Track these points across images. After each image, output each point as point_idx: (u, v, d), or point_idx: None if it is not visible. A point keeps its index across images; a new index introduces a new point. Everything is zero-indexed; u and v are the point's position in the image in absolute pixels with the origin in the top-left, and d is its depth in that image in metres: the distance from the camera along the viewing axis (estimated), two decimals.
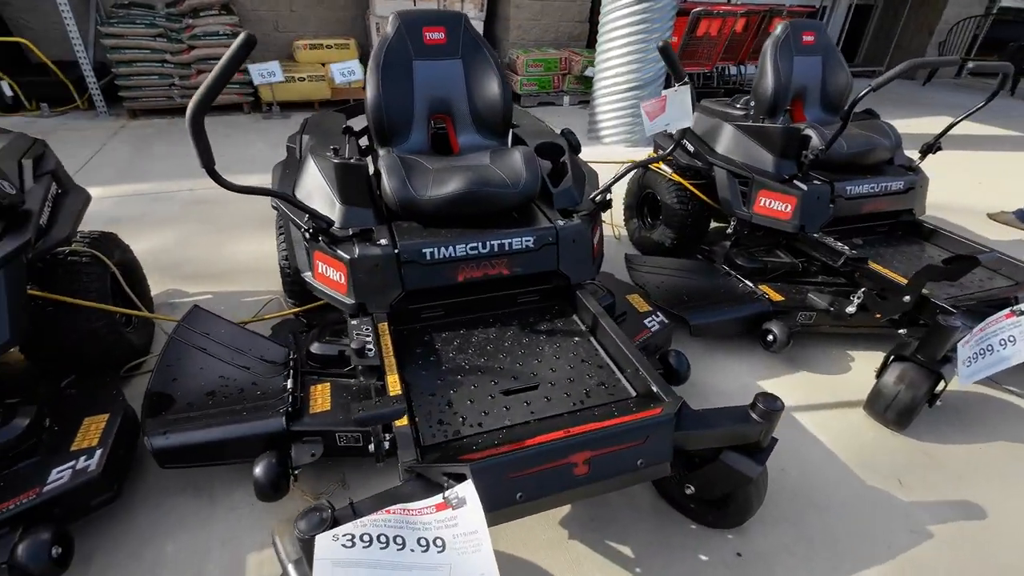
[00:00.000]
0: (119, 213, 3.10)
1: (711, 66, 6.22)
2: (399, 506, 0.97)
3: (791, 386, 2.03)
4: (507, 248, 1.62)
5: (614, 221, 3.22)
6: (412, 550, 0.88)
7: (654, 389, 1.33)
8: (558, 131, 2.14)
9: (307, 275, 1.65)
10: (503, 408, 1.35)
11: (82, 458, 1.31)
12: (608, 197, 1.80)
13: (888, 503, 1.58)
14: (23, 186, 1.53)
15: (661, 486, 1.53)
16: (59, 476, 1.26)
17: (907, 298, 1.84)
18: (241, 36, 1.12)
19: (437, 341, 1.59)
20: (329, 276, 1.58)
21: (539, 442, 1.11)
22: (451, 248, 1.56)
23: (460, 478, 1.02)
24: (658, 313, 2.00)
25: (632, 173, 2.86)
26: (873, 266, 2.01)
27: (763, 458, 1.27)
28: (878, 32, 9.14)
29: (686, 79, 1.55)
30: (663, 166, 2.68)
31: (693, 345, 2.19)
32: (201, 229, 2.98)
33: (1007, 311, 1.67)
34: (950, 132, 2.34)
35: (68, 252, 1.66)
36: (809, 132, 2.24)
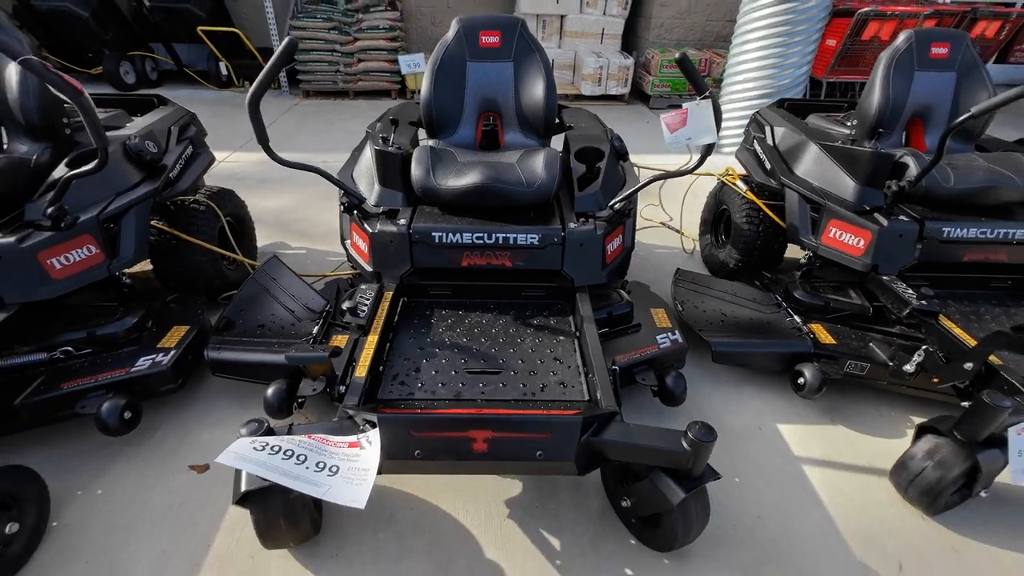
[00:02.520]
0: (259, 174, 3.80)
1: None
2: (321, 436, 1.18)
3: (815, 436, 1.83)
4: (512, 242, 1.73)
5: (690, 234, 3.08)
6: (308, 468, 1.08)
7: (597, 395, 1.36)
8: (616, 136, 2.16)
9: (346, 243, 1.94)
10: (460, 384, 1.49)
11: (160, 354, 1.75)
12: (628, 206, 1.80)
13: None
14: (167, 147, 2.04)
15: (611, 495, 1.53)
16: (142, 364, 1.71)
17: (969, 365, 1.55)
18: (286, 40, 1.40)
19: (435, 316, 1.78)
20: (358, 245, 1.85)
21: (448, 412, 1.24)
22: (458, 234, 1.72)
23: (376, 425, 1.20)
24: (675, 332, 1.94)
25: (713, 187, 2.72)
26: (944, 322, 1.70)
27: (690, 487, 1.24)
28: None
29: (708, 93, 1.49)
30: (739, 182, 2.51)
31: (718, 373, 2.08)
32: (318, 194, 3.53)
33: None
34: None
35: (191, 200, 2.17)
36: (907, 160, 1.94)
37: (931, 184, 1.91)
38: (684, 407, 1.94)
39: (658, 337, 1.91)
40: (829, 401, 1.97)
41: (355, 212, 1.81)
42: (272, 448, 1.09)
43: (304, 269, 2.62)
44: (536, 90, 2.00)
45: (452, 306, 1.83)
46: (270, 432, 1.18)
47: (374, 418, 1.19)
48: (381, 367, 1.53)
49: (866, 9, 4.46)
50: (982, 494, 1.49)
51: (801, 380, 1.84)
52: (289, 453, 1.10)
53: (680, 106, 1.56)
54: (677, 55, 1.44)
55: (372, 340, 1.52)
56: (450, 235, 1.72)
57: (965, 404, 1.65)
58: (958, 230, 1.89)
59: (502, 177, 1.75)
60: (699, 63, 5.70)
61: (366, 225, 1.77)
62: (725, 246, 2.59)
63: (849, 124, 2.32)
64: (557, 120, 2.28)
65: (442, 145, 1.98)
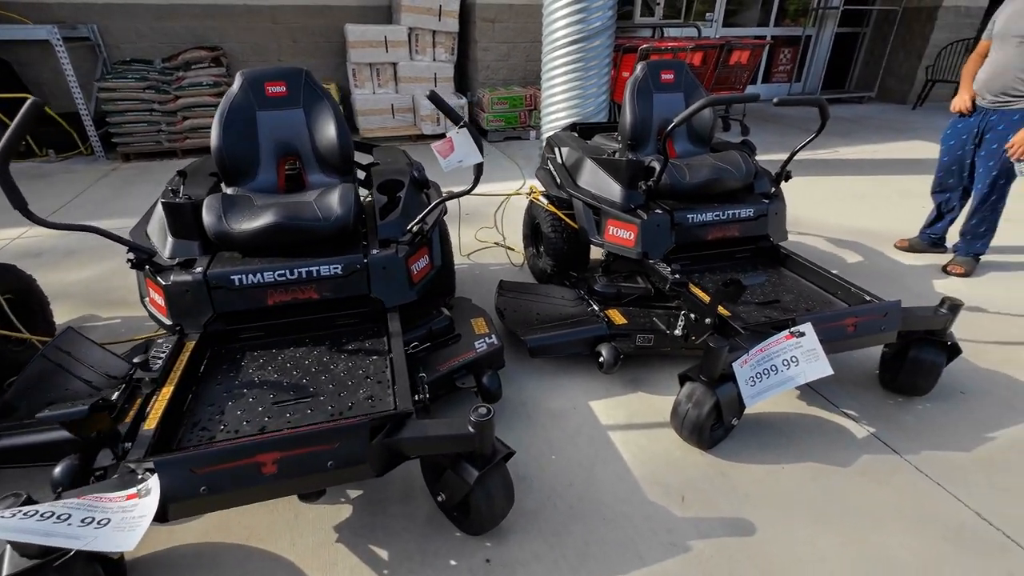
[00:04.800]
0: (64, 246, 3.46)
1: None
2: (93, 495, 1.15)
3: (619, 405, 2.10)
4: (315, 274, 1.81)
5: (520, 249, 3.37)
6: (70, 524, 1.05)
7: (396, 403, 1.47)
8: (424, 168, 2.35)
9: (144, 301, 1.88)
10: (266, 418, 1.51)
11: None
12: (424, 227, 1.98)
13: (661, 518, 1.64)
14: None
15: (433, 495, 1.63)
16: None
17: (708, 320, 1.91)
18: (29, 101, 1.37)
19: (246, 359, 1.78)
20: (155, 300, 1.80)
21: (228, 443, 1.27)
22: (259, 275, 1.76)
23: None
24: (492, 336, 2.12)
25: (505, 202, 3.02)
26: (692, 290, 2.09)
27: (481, 465, 1.38)
28: (868, 58, 9.11)
29: (462, 123, 1.73)
30: (541, 198, 2.84)
31: (541, 367, 2.30)
32: None
33: (786, 333, 1.74)
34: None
35: None
36: (654, 164, 2.36)
37: (674, 181, 2.34)
38: (509, 399, 2.12)
39: (476, 343, 2.08)
40: (631, 373, 2.28)
41: (146, 267, 1.76)
42: (29, 513, 1.04)
43: (117, 337, 2.44)
44: (328, 132, 2.13)
45: (265, 346, 1.84)
46: (31, 502, 1.12)
47: (150, 464, 1.18)
48: (183, 418, 1.50)
49: (645, 46, 5.28)
50: (734, 422, 1.83)
51: (601, 359, 2.11)
52: (50, 515, 1.05)
53: (445, 135, 1.78)
54: (427, 92, 1.66)
55: (166, 392, 1.49)
56: (250, 276, 1.76)
57: None
58: (699, 215, 2.33)
59: (298, 215, 1.83)
60: (525, 98, 6.29)
61: (159, 278, 1.73)
62: (543, 255, 2.89)
63: (618, 139, 2.76)
64: (366, 159, 2.43)
65: (241, 192, 2.01)
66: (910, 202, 4.25)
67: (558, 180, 2.69)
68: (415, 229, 1.95)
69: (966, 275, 3.11)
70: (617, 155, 2.53)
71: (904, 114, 7.95)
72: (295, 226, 1.80)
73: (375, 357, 1.78)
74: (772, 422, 2.01)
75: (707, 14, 8.01)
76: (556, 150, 2.84)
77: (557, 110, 4.81)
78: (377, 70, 6.27)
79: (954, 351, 2.02)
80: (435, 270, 2.13)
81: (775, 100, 2.10)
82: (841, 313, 1.86)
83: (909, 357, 2.04)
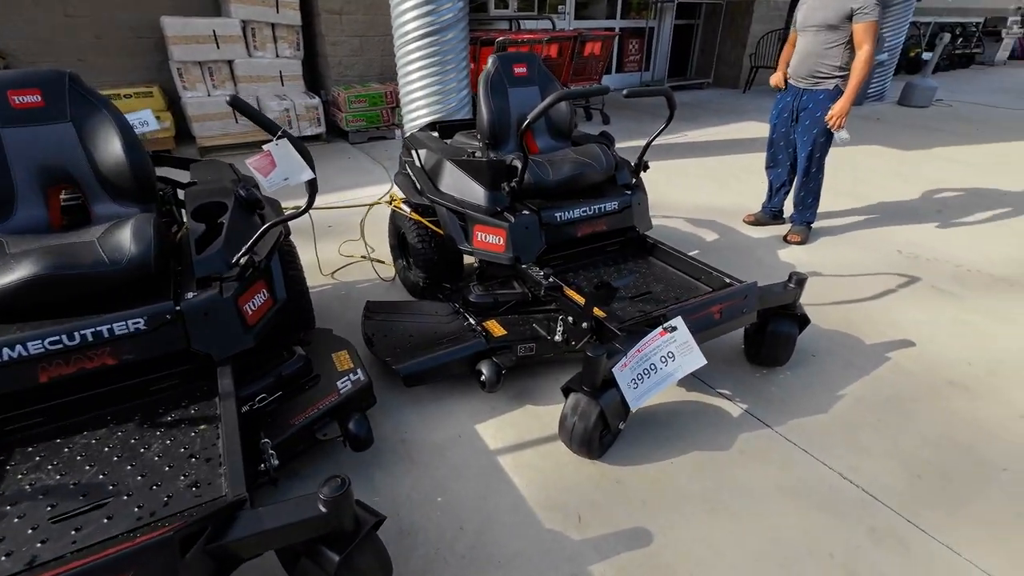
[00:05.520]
0: None
1: None
2: None
3: (507, 424, 1.97)
4: (107, 335, 1.42)
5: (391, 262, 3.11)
6: None
7: (224, 489, 1.17)
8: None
9: None
10: (39, 543, 1.13)
11: None
12: (255, 258, 1.65)
13: (559, 548, 1.52)
14: None
15: None
16: None
17: (584, 324, 1.84)
18: None
19: (15, 459, 1.34)
20: None
21: None
22: (19, 346, 1.33)
23: None
24: (358, 371, 1.86)
25: (367, 211, 2.76)
26: (567, 292, 2.01)
27: (343, 546, 1.15)
28: (704, 47, 9.99)
29: (280, 132, 1.44)
30: (403, 205, 2.61)
31: (421, 393, 2.09)
32: None
33: (660, 329, 1.71)
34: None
35: None
36: (516, 162, 2.24)
37: (537, 179, 2.24)
38: (386, 439, 1.89)
39: (339, 382, 1.80)
40: (517, 386, 2.15)
41: None
42: None
43: None
44: (112, 150, 1.70)
45: (44, 437, 1.41)
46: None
47: None
48: None
49: (502, 38, 5.22)
50: (621, 426, 1.77)
51: (482, 378, 1.95)
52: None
53: (263, 149, 1.47)
54: (227, 98, 1.35)
55: None
56: (5, 351, 1.32)
57: None
58: (566, 213, 2.26)
59: (73, 261, 1.41)
60: (385, 95, 5.92)
61: None
62: (413, 267, 2.66)
63: (478, 138, 2.60)
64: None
65: None
66: (753, 178, 4.65)
67: (418, 185, 2.47)
68: (243, 261, 1.62)
69: (803, 243, 3.44)
70: (478, 155, 2.38)
71: (737, 98, 8.84)
72: (67, 276, 1.39)
73: (203, 427, 1.44)
74: (657, 415, 2.00)
75: (559, 7, 8.20)
76: (414, 152, 2.61)
77: (418, 107, 4.56)
78: (210, 69, 5.51)
79: (804, 321, 2.17)
80: (278, 305, 1.81)
81: (625, 92, 2.07)
82: (706, 302, 1.88)
83: (768, 331, 2.15)
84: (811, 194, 3.42)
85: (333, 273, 3.02)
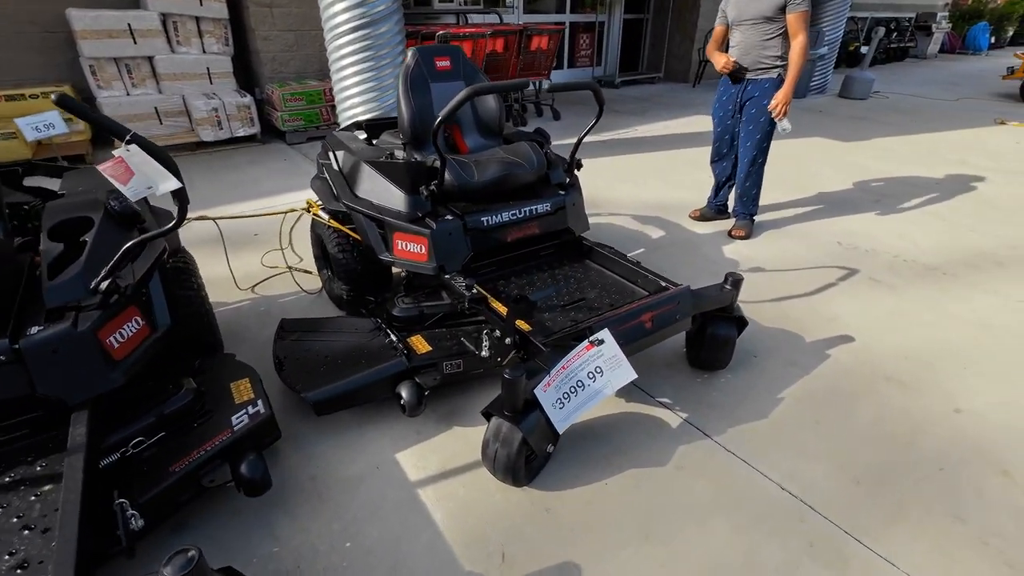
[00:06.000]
0: None
1: None
2: None
3: (432, 450, 1.81)
4: None
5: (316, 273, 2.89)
6: None
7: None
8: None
9: None
10: None
11: None
12: (119, 282, 1.43)
13: None
14: None
15: None
16: None
17: (508, 340, 1.70)
18: None
19: None
20: None
21: None
22: None
23: None
24: (258, 402, 1.66)
25: (283, 219, 2.54)
26: (492, 303, 1.86)
27: None
28: (654, 41, 10.02)
29: (129, 136, 1.23)
30: (322, 212, 2.40)
31: (339, 420, 1.90)
32: None
33: (586, 343, 1.58)
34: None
35: None
36: (438, 164, 2.07)
37: (462, 182, 2.07)
38: (294, 475, 1.70)
39: (234, 417, 1.60)
40: (446, 405, 1.99)
41: None
42: None
43: None
44: None
45: None
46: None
47: None
48: None
49: (442, 32, 5.02)
50: (549, 449, 1.64)
51: (402, 401, 1.78)
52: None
53: (117, 154, 1.26)
54: (54, 96, 1.13)
55: None
56: None
57: None
58: (494, 217, 2.11)
59: None
60: (324, 92, 5.62)
61: None
62: (336, 279, 2.46)
63: (400, 138, 2.42)
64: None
65: None
66: (700, 173, 4.62)
67: (335, 190, 2.27)
68: (103, 286, 1.40)
69: (746, 238, 3.41)
70: (398, 155, 2.20)
71: (687, 92, 8.89)
72: None
73: (48, 487, 1.23)
74: (594, 430, 1.88)
75: (508, 1, 8.03)
76: (331, 154, 2.40)
77: (354, 104, 4.32)
78: (127, 66, 5.10)
79: (742, 323, 2.09)
80: (159, 333, 1.59)
81: (547, 87, 1.94)
82: (635, 311, 1.77)
83: (707, 335, 2.06)
84: (755, 185, 3.38)
85: (253, 287, 2.78)
